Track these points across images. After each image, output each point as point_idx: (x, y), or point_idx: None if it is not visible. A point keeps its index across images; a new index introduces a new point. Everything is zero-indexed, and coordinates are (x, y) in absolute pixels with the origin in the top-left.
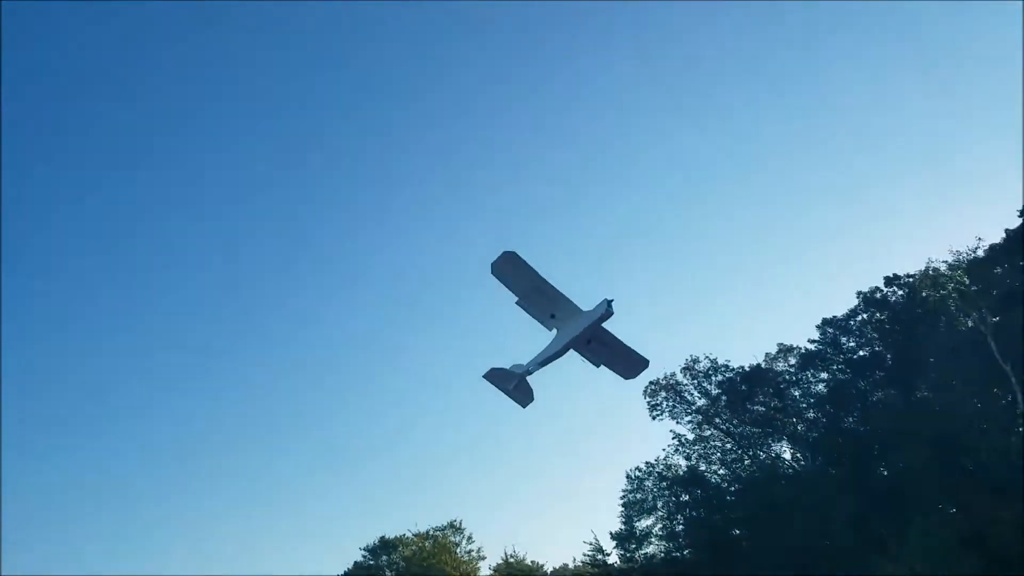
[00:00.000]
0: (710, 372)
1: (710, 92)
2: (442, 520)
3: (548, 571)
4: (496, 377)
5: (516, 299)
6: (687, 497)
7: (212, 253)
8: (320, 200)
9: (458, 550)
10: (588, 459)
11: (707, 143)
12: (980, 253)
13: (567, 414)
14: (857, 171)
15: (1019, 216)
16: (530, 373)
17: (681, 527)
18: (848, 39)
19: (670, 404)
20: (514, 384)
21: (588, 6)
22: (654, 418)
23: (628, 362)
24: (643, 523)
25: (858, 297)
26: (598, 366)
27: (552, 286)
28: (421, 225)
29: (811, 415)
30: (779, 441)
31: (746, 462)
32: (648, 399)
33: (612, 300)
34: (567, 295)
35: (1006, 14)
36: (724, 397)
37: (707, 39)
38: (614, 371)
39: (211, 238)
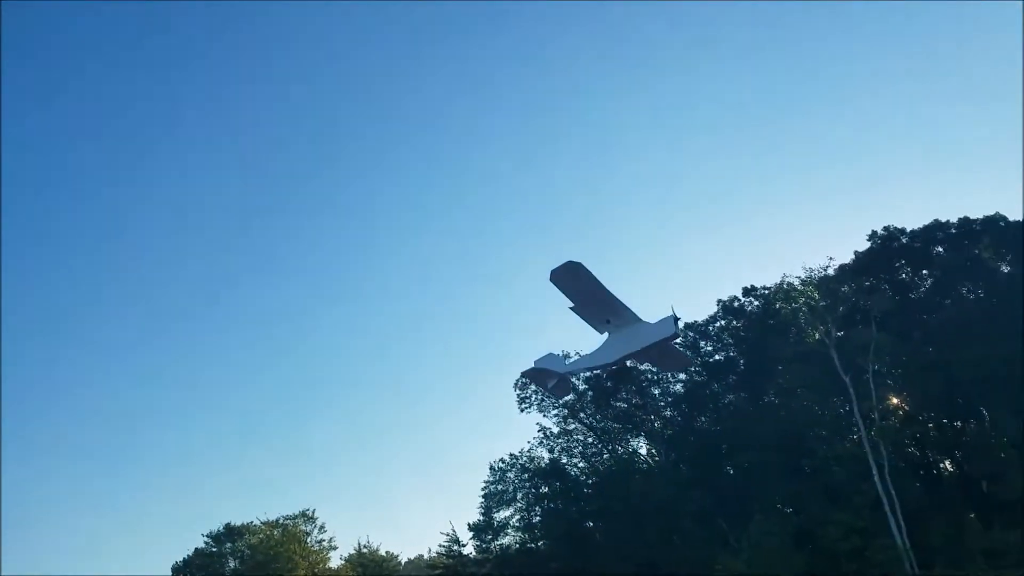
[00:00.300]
0: None
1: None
2: (294, 509)
3: (402, 562)
4: (536, 375)
5: (571, 305)
6: (547, 489)
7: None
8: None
9: (308, 539)
10: (454, 451)
11: (589, 150)
12: (831, 272)
13: (434, 406)
14: (727, 184)
15: (867, 240)
16: (573, 375)
17: (538, 519)
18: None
19: (539, 398)
20: (554, 383)
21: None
22: (523, 411)
23: (672, 360)
24: (502, 514)
25: (718, 305)
26: (642, 363)
27: (613, 296)
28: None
29: (668, 413)
30: (637, 437)
31: (605, 456)
32: (518, 392)
33: (680, 318)
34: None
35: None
36: (591, 393)
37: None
38: (654, 365)
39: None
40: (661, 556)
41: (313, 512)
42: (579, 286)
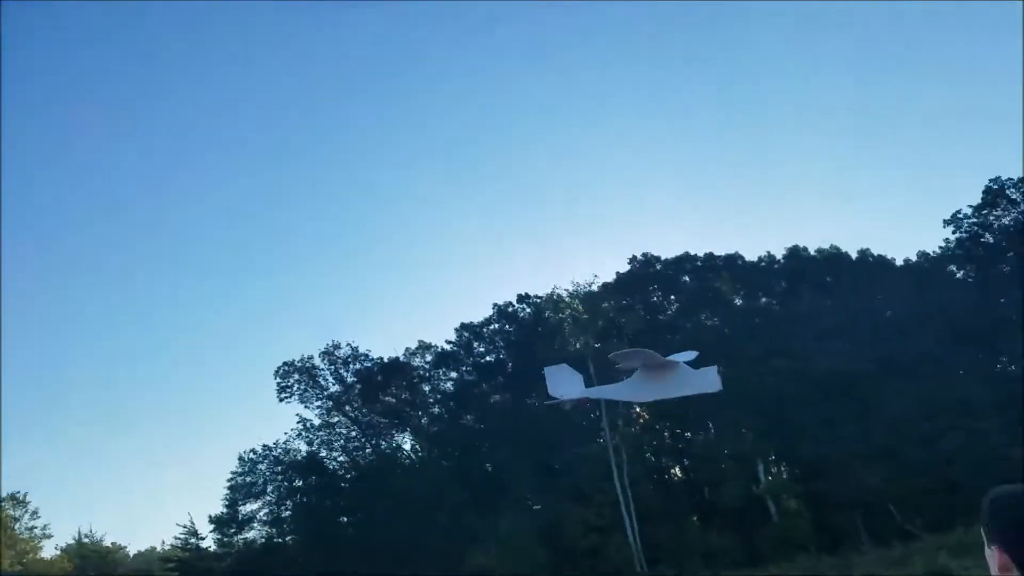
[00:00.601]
0: (349, 360)
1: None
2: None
3: (131, 554)
4: (556, 399)
5: (619, 365)
6: (301, 483)
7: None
8: None
9: (17, 526)
10: (204, 441)
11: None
12: (595, 288)
13: (181, 393)
14: (516, 192)
15: (628, 263)
16: (591, 401)
17: (289, 513)
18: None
19: (302, 387)
20: (570, 406)
21: None
22: (282, 400)
23: None
24: (249, 508)
25: (494, 308)
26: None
27: (660, 356)
28: None
29: (436, 410)
30: (403, 432)
31: (368, 451)
32: (279, 380)
33: (722, 369)
34: None
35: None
36: (359, 385)
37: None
38: None
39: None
40: (414, 552)
41: (24, 496)
42: (636, 361)
